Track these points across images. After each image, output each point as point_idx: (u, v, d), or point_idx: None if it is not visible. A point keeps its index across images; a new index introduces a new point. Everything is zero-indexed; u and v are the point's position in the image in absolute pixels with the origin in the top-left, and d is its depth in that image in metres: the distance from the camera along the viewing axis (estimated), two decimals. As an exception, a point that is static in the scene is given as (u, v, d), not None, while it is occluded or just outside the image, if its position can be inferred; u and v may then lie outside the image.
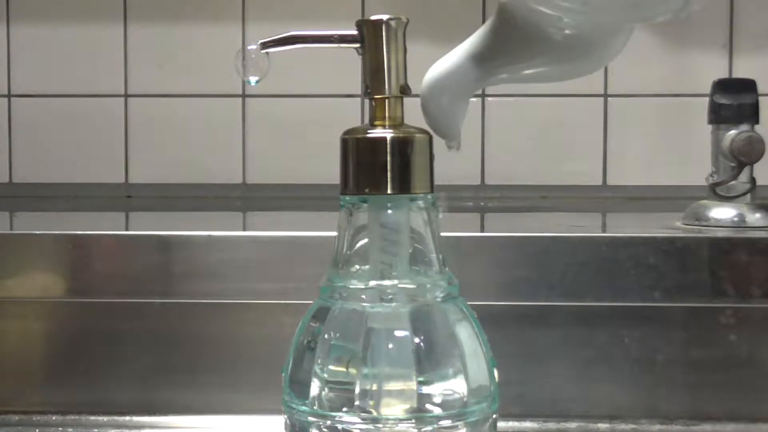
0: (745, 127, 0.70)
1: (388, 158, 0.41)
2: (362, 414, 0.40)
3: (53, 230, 0.65)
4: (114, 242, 0.64)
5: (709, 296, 0.61)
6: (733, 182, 0.70)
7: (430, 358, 0.40)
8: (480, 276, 0.62)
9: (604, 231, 0.70)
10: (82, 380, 0.63)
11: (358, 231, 0.42)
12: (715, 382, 0.61)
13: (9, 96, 1.02)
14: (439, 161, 0.43)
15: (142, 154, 1.01)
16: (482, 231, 0.75)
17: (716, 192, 0.71)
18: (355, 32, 0.43)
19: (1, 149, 1.01)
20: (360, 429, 0.40)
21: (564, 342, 0.61)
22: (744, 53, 0.98)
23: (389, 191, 0.41)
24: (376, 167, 0.41)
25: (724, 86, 0.71)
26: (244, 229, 0.76)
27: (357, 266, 0.42)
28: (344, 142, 0.42)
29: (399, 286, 0.41)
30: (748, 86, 0.70)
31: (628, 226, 0.74)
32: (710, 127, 0.72)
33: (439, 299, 0.42)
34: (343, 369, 0.40)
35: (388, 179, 0.41)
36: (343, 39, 0.43)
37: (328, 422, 0.40)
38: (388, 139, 0.41)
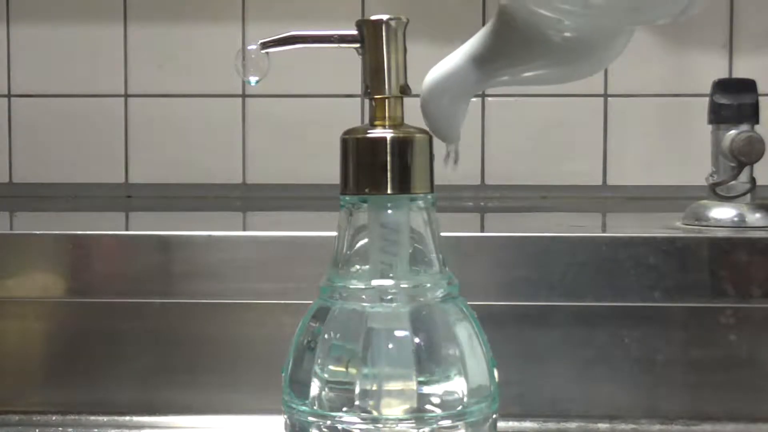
0: (745, 127, 0.70)
1: (388, 158, 0.41)
2: (362, 414, 0.40)
3: (53, 230, 0.65)
4: (114, 242, 0.64)
5: (709, 296, 0.61)
6: (733, 182, 0.70)
7: (430, 358, 0.40)
8: (480, 276, 0.62)
9: (604, 231, 0.70)
10: (82, 380, 0.63)
11: (358, 231, 0.42)
12: (715, 382, 0.61)
13: (9, 96, 1.02)
14: (439, 161, 0.43)
15: (142, 154, 1.01)
16: (482, 231, 0.75)
17: (716, 192, 0.71)
18: (355, 32, 0.43)
19: (1, 149, 1.01)
20: (360, 429, 0.40)
21: (564, 342, 0.61)
22: (744, 53, 0.98)
23: (389, 191, 0.41)
24: (376, 167, 0.41)
25: (724, 86, 0.71)
26: (244, 229, 0.76)
27: (357, 266, 0.42)
28: (344, 142, 0.42)
29: (399, 286, 0.41)
30: (748, 86, 0.70)
31: (628, 226, 0.74)
32: (710, 127, 0.72)
33: (439, 299, 0.42)
34: (343, 369, 0.40)
35: (388, 179, 0.41)
36: (343, 39, 0.43)
37: (328, 422, 0.40)
38: (388, 139, 0.41)
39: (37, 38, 1.01)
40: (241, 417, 0.62)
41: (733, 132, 0.70)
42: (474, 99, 0.97)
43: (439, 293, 0.42)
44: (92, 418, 0.62)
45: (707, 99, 0.71)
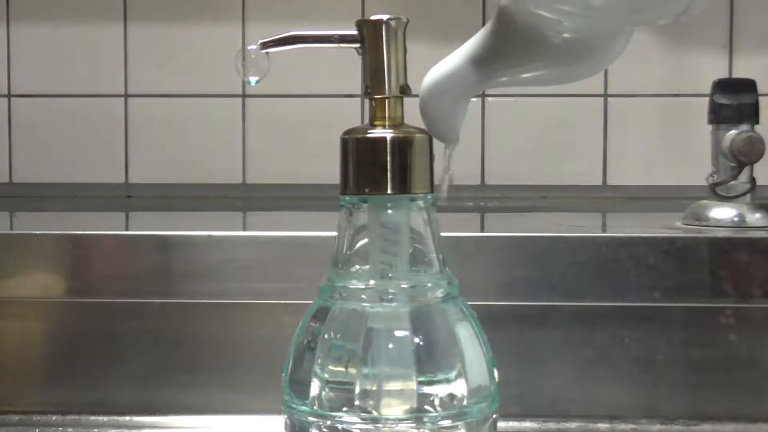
0: (745, 127, 0.70)
1: (388, 158, 0.41)
2: (362, 414, 0.40)
3: (53, 230, 0.65)
4: (114, 242, 0.64)
5: (709, 296, 0.61)
6: (733, 182, 0.70)
7: (430, 358, 0.40)
8: (480, 276, 0.62)
9: (604, 231, 0.70)
10: (82, 380, 0.63)
11: (358, 231, 0.42)
12: (715, 382, 0.61)
13: (9, 96, 1.02)
14: (439, 161, 0.43)
15: (142, 154, 1.01)
16: (482, 231, 0.75)
17: (716, 192, 0.71)
18: (355, 32, 0.43)
19: (1, 149, 1.01)
20: (360, 429, 0.40)
21: (564, 342, 0.61)
22: (744, 53, 0.98)
23: (389, 191, 0.41)
24: (376, 167, 0.41)
25: (724, 86, 0.71)
26: (244, 229, 0.76)
27: (357, 266, 0.42)
28: (344, 142, 0.42)
29: (399, 286, 0.41)
30: (748, 86, 0.70)
31: (628, 226, 0.74)
32: (710, 127, 0.72)
33: (439, 299, 0.42)
34: (343, 369, 0.40)
35: (388, 179, 0.41)
36: (343, 39, 0.43)
37: (328, 422, 0.40)
38: (388, 139, 0.41)
39: (37, 38, 1.01)
40: (241, 417, 0.62)
41: (733, 132, 0.70)
42: (474, 99, 0.97)
43: (439, 293, 0.42)
44: (92, 418, 0.62)
45: (707, 99, 0.71)
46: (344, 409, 0.40)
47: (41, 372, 0.64)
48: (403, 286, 0.41)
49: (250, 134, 1.00)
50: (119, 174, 1.01)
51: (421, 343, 0.40)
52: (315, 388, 0.41)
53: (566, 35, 0.37)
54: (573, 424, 0.61)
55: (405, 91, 0.42)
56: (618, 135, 0.99)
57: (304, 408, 0.41)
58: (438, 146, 0.43)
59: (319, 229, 0.63)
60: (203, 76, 1.00)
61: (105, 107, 1.01)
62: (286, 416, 0.42)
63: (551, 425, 0.61)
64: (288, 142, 1.00)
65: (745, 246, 0.61)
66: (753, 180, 0.70)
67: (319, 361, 0.41)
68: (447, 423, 0.40)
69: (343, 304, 0.41)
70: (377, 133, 0.42)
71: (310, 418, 0.40)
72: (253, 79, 0.44)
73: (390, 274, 0.41)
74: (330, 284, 0.42)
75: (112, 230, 0.67)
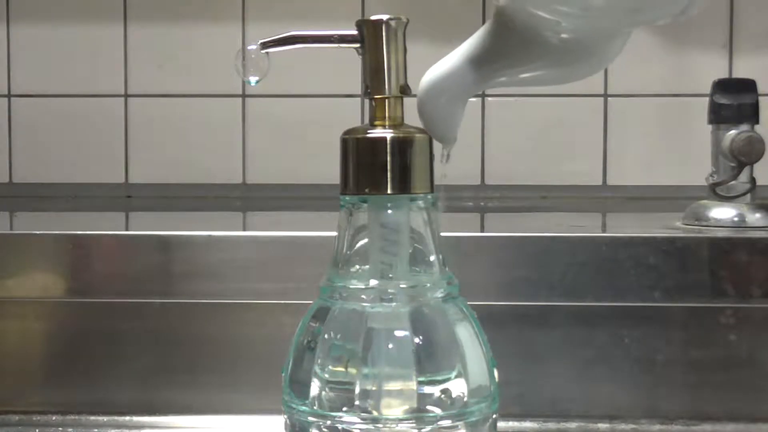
0: (745, 127, 0.70)
1: (388, 158, 0.41)
2: (362, 414, 0.40)
3: (53, 230, 0.65)
4: (114, 242, 0.64)
5: (709, 296, 0.61)
6: (733, 182, 0.70)
7: (430, 358, 0.40)
8: (480, 276, 0.62)
9: (604, 231, 0.70)
10: (82, 380, 0.63)
11: (358, 231, 0.42)
12: (715, 382, 0.61)
13: (9, 96, 1.02)
14: (439, 161, 0.43)
15: (142, 154, 1.01)
16: (482, 231, 0.75)
17: (716, 192, 0.71)
18: (355, 32, 0.43)
19: (1, 149, 1.01)
20: (360, 429, 0.40)
21: (564, 342, 0.61)
22: (744, 53, 0.98)
23: (389, 191, 0.41)
24: (376, 167, 0.41)
25: (724, 86, 0.71)
26: (244, 229, 0.76)
27: (357, 266, 0.42)
28: (344, 142, 0.42)
29: (399, 286, 0.41)
30: (748, 86, 0.70)
31: (628, 226, 0.74)
32: (710, 127, 0.72)
33: (439, 299, 0.42)
34: (343, 369, 0.40)
35: (388, 179, 0.41)
36: (343, 39, 0.43)
37: (328, 422, 0.40)
38: (388, 139, 0.41)
39: (37, 38, 1.01)
40: (241, 417, 0.62)
41: (733, 132, 0.70)
42: (474, 99, 0.98)
43: (439, 293, 0.42)
44: (92, 418, 0.62)
45: (707, 99, 0.71)
46: (344, 409, 0.40)
47: (41, 372, 0.64)
48: (403, 286, 0.41)
49: (250, 134, 1.00)
50: (119, 174, 1.01)
51: (421, 343, 0.40)
52: (315, 388, 0.41)
53: (564, 36, 0.36)
54: (573, 424, 0.61)
55: (405, 91, 0.42)
56: (618, 135, 0.99)
57: (304, 408, 0.41)
58: (437, 146, 0.43)
59: (319, 229, 0.63)
60: (203, 76, 1.00)
61: (105, 107, 1.01)
62: (286, 416, 0.42)
63: (551, 425, 0.61)
64: (288, 142, 1.00)
65: (745, 246, 0.61)
66: (753, 180, 0.70)
67: (319, 361, 0.41)
68: (447, 423, 0.40)
69: (343, 304, 0.41)
70: (377, 133, 0.42)
71: (310, 418, 0.40)
72: (253, 79, 0.44)
73: (390, 274, 0.41)
74: (330, 284, 0.42)
75: (112, 230, 0.67)
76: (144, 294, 0.63)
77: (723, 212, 0.70)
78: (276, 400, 0.43)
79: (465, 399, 0.40)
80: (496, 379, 0.42)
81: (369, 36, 0.42)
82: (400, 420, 0.40)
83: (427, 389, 0.40)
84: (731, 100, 0.70)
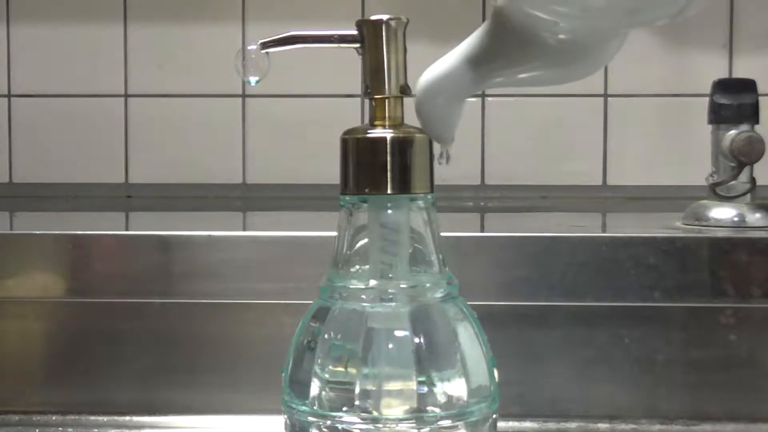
0: (745, 127, 0.70)
1: (388, 158, 0.41)
2: (362, 414, 0.40)
3: (53, 230, 0.65)
4: (114, 242, 0.64)
5: (709, 296, 0.61)
6: (733, 182, 0.70)
7: (430, 358, 0.40)
8: (480, 276, 0.62)
9: (604, 231, 0.70)
10: (82, 380, 0.63)
11: (358, 231, 0.42)
12: (715, 382, 0.61)
13: (9, 96, 1.02)
14: (437, 163, 0.42)
15: (142, 154, 1.01)
16: (482, 231, 0.75)
17: (716, 192, 0.71)
18: (355, 32, 0.43)
19: (1, 149, 1.01)
20: (360, 429, 0.40)
21: (564, 342, 0.61)
22: (744, 53, 0.98)
23: (389, 191, 0.41)
24: (376, 167, 0.41)
25: (724, 86, 0.71)
26: (244, 229, 0.76)
27: (357, 266, 0.42)
28: (344, 142, 0.42)
29: (399, 286, 0.41)
30: (748, 86, 0.70)
31: (628, 226, 0.74)
32: (710, 127, 0.72)
33: (439, 299, 0.42)
34: (343, 369, 0.40)
35: (388, 179, 0.41)
36: (343, 39, 0.43)
37: (328, 422, 0.40)
38: (388, 139, 0.41)
39: (37, 38, 1.01)
40: (241, 417, 0.62)
41: (733, 132, 0.70)
42: (474, 99, 0.98)
43: (439, 293, 0.42)
44: (92, 418, 0.62)
45: (707, 99, 0.71)
46: (344, 409, 0.40)
47: (41, 372, 0.64)
48: (403, 286, 0.41)
49: (250, 134, 1.00)
50: (119, 174, 1.01)
51: (421, 343, 0.40)
52: (315, 388, 0.41)
53: (562, 36, 0.36)
54: (573, 424, 0.61)
55: (405, 91, 0.42)
56: (618, 135, 0.99)
57: (304, 408, 0.41)
58: (437, 147, 0.43)
59: (319, 229, 0.63)
60: (203, 76, 1.00)
61: (105, 107, 1.01)
62: (286, 416, 0.42)
63: (551, 425, 0.61)
64: (288, 142, 1.00)
65: (745, 246, 0.61)
66: (753, 180, 0.70)
67: (319, 361, 0.41)
68: (447, 423, 0.40)
69: (343, 304, 0.41)
70: (377, 133, 0.42)
71: (310, 418, 0.40)
72: (253, 79, 0.44)
73: (390, 274, 0.41)
74: (330, 284, 0.42)
75: (112, 230, 0.67)
76: (144, 294, 0.63)
77: (723, 212, 0.70)
78: (276, 400, 0.43)
79: (465, 399, 0.40)
80: (496, 379, 0.42)
81: (369, 36, 0.42)
82: (400, 420, 0.40)
83: (427, 389, 0.40)
84: (731, 100, 0.70)
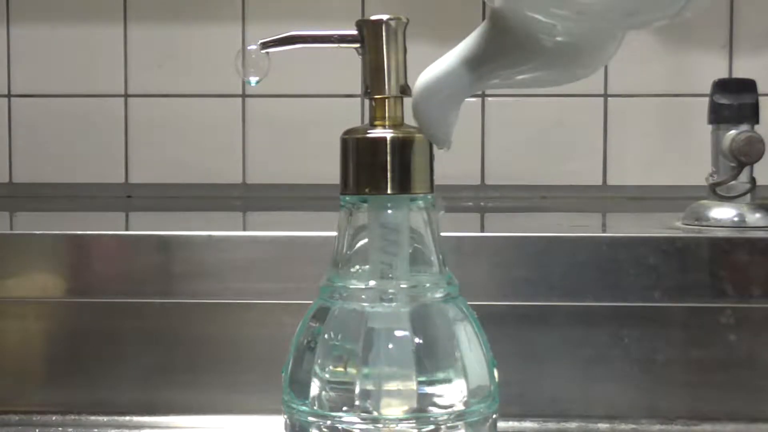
0: (745, 127, 0.70)
1: (388, 158, 0.41)
2: (362, 414, 0.40)
3: (53, 230, 0.65)
4: (114, 242, 0.64)
5: (709, 296, 0.61)
6: (733, 182, 0.70)
7: (430, 359, 0.40)
8: (480, 276, 0.62)
9: (604, 231, 0.70)
10: (82, 380, 0.63)
11: (358, 231, 0.42)
12: (715, 382, 0.61)
13: (9, 96, 1.02)
14: (439, 161, 0.43)
15: (142, 154, 1.01)
16: (482, 231, 0.75)
17: (716, 192, 0.71)
18: (355, 32, 0.43)
19: (1, 149, 1.01)
20: (360, 429, 0.40)
21: (564, 342, 0.61)
22: (744, 53, 0.98)
23: (389, 191, 0.41)
24: (376, 167, 0.41)
25: (724, 86, 0.71)
26: (244, 229, 0.76)
27: (357, 266, 0.42)
28: (344, 142, 0.42)
29: (399, 286, 0.41)
30: (748, 86, 0.71)
31: (628, 226, 0.74)
32: (710, 127, 0.72)
33: (439, 299, 0.42)
34: (343, 369, 0.40)
35: (388, 179, 0.41)
36: (343, 39, 0.43)
37: (328, 422, 0.40)
38: (388, 139, 0.41)
39: (37, 38, 1.01)
40: (242, 417, 0.62)
41: (733, 132, 0.70)
42: (474, 99, 0.98)
43: (439, 293, 0.42)
44: (92, 418, 0.62)
45: (707, 99, 0.71)
46: (344, 409, 0.40)
47: (41, 372, 0.64)
48: (403, 286, 0.41)
49: (250, 134, 1.00)
50: (119, 174, 1.01)
51: (421, 343, 0.40)
52: (315, 388, 0.41)
53: (560, 38, 0.36)
54: (573, 424, 0.61)
55: (405, 91, 0.42)
56: (618, 135, 0.99)
57: (304, 408, 0.41)
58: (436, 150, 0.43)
59: (319, 229, 0.63)
60: (203, 76, 1.00)
61: (105, 107, 1.01)
62: (286, 416, 0.42)
63: (551, 425, 0.61)
64: (288, 142, 1.00)
65: (745, 246, 0.61)
66: (753, 180, 0.71)
67: (319, 361, 0.41)
68: (447, 423, 0.40)
69: (343, 304, 0.41)
70: (377, 133, 0.42)
71: (310, 418, 0.40)
72: (253, 79, 0.44)
73: (390, 274, 0.41)
74: (330, 284, 0.42)
75: (112, 230, 0.67)
76: (144, 294, 0.63)
77: (723, 212, 0.70)
78: (276, 400, 0.43)
79: (465, 399, 0.40)
80: (496, 379, 0.42)
81: (369, 36, 0.42)
82: (400, 420, 0.40)
83: (427, 389, 0.40)
84: (731, 100, 0.70)
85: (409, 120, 0.42)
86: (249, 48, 0.43)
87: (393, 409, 0.40)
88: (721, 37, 0.98)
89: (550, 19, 0.35)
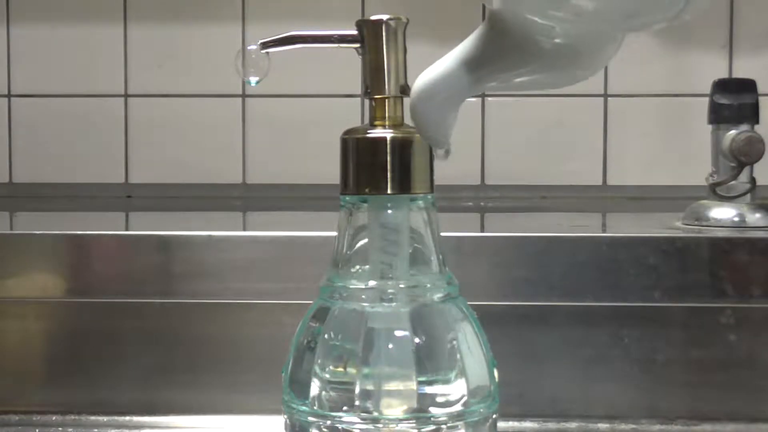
0: (745, 127, 0.70)
1: (388, 158, 0.41)
2: (362, 414, 0.40)
3: (53, 230, 0.65)
4: (114, 242, 0.64)
5: (709, 296, 0.61)
6: (733, 182, 0.70)
7: (430, 358, 0.40)
8: (480, 276, 0.62)
9: (604, 231, 0.70)
10: (82, 380, 0.63)
11: (358, 231, 0.42)
12: (715, 382, 0.61)
13: (9, 96, 1.02)
14: (439, 161, 0.42)
15: (142, 154, 1.01)
16: (482, 231, 0.75)
17: (716, 192, 0.71)
18: (355, 32, 0.43)
19: (1, 149, 1.01)
20: (360, 429, 0.40)
21: (564, 342, 0.61)
22: (744, 53, 0.98)
23: (389, 191, 0.41)
24: (376, 167, 0.41)
25: (724, 86, 0.71)
26: (244, 229, 0.76)
27: (357, 266, 0.42)
28: (344, 142, 0.42)
29: (399, 286, 0.41)
30: (748, 86, 0.71)
31: (628, 226, 0.74)
32: (710, 127, 0.72)
33: (439, 299, 0.42)
34: (343, 369, 0.40)
35: (388, 179, 0.41)
36: (343, 39, 0.43)
37: (328, 422, 0.40)
38: (388, 139, 0.41)
39: (37, 38, 1.01)
40: (242, 417, 0.62)
41: (733, 132, 0.70)
42: (474, 99, 0.98)
43: (439, 293, 0.42)
44: (92, 418, 0.62)
45: (707, 99, 0.71)
46: (344, 409, 0.40)
47: (41, 372, 0.64)
48: (403, 286, 0.41)
49: (250, 134, 1.00)
50: (119, 174, 1.01)
51: (421, 343, 0.40)
52: (315, 388, 0.41)
53: (558, 40, 0.36)
54: (573, 424, 0.61)
55: (405, 91, 0.42)
56: (618, 135, 0.99)
57: (304, 408, 0.41)
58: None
59: (319, 229, 0.63)
60: (203, 76, 1.00)
61: (105, 107, 1.01)
62: (286, 416, 0.42)
63: (551, 425, 0.61)
64: (288, 142, 1.00)
65: (745, 246, 0.61)
66: (753, 180, 0.71)
67: (319, 361, 0.41)
68: (447, 423, 0.40)
69: (343, 304, 0.41)
70: (377, 133, 0.42)
71: (310, 418, 0.40)
72: (253, 79, 0.44)
73: (390, 274, 0.41)
74: (330, 284, 0.42)
75: (112, 230, 0.67)
76: (144, 294, 0.63)
77: (723, 212, 0.70)
78: (276, 400, 0.43)
79: (465, 399, 0.40)
80: (496, 379, 0.42)
81: (369, 36, 0.42)
82: (400, 420, 0.40)
83: (427, 389, 0.40)
84: (731, 100, 0.70)
85: (409, 120, 0.42)
86: (249, 48, 0.43)
87: (393, 409, 0.40)
88: (721, 37, 0.98)
89: (549, 21, 0.35)
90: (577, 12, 0.34)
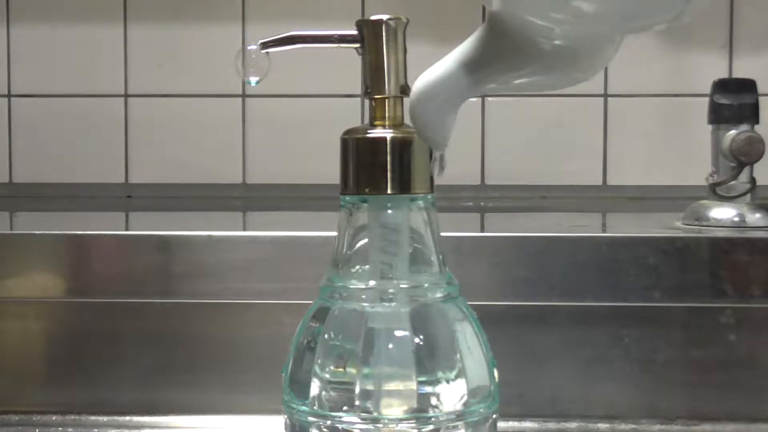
0: (745, 127, 0.70)
1: (388, 158, 0.41)
2: (362, 414, 0.40)
3: (53, 230, 0.65)
4: (114, 242, 0.64)
5: (709, 296, 0.61)
6: (733, 182, 0.70)
7: (430, 358, 0.40)
8: (480, 276, 0.62)
9: (604, 231, 0.70)
10: (82, 380, 0.63)
11: (358, 231, 0.42)
12: (715, 382, 0.61)
13: (9, 96, 1.02)
14: (435, 173, 0.42)
15: (142, 154, 1.01)
16: (482, 231, 0.75)
17: (716, 192, 0.71)
18: (355, 32, 0.43)
19: (1, 149, 1.01)
20: (360, 429, 0.40)
21: (564, 342, 0.61)
22: (744, 53, 0.98)
23: (389, 191, 0.41)
24: (376, 167, 0.41)
25: (724, 86, 0.71)
26: (244, 229, 0.76)
27: (357, 266, 0.42)
28: (344, 142, 0.42)
29: (399, 286, 0.41)
30: (748, 86, 0.71)
31: (628, 226, 0.74)
32: (710, 127, 0.72)
33: (439, 299, 0.42)
34: (343, 369, 0.40)
35: (388, 179, 0.41)
36: (343, 39, 0.43)
37: (328, 422, 0.40)
38: (388, 139, 0.41)
39: (37, 38, 1.01)
40: (242, 417, 0.62)
41: (733, 132, 0.70)
42: (474, 99, 0.97)
43: (439, 293, 0.42)
44: (92, 418, 0.62)
45: (707, 99, 0.71)
46: (344, 409, 0.40)
47: (41, 372, 0.64)
48: (403, 286, 0.41)
49: (250, 134, 1.00)
50: (119, 174, 1.01)
51: (421, 343, 0.40)
52: (315, 388, 0.41)
53: (558, 42, 0.36)
54: (573, 424, 0.61)
55: (405, 91, 0.42)
56: (618, 135, 0.99)
57: (304, 408, 0.41)
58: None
59: (319, 229, 0.63)
60: (203, 76, 1.00)
61: (105, 107, 1.01)
62: (286, 416, 0.42)
63: (551, 425, 0.61)
64: (288, 142, 1.00)
65: (745, 246, 0.61)
66: (753, 180, 0.71)
67: (319, 361, 0.41)
68: (447, 423, 0.40)
69: (343, 304, 0.41)
70: (377, 133, 0.42)
71: (310, 418, 0.40)
72: (253, 79, 0.44)
73: (390, 274, 0.41)
74: (330, 284, 0.42)
75: (112, 230, 0.67)
76: (144, 294, 0.63)
77: (723, 212, 0.70)
78: (276, 400, 0.43)
79: (465, 399, 0.40)
80: (496, 379, 0.42)
81: (369, 36, 0.42)
82: (400, 420, 0.40)
83: (427, 389, 0.40)
84: (731, 100, 0.70)
85: (409, 120, 0.42)
86: (249, 48, 0.43)
87: (393, 409, 0.40)
88: (721, 37, 0.98)
89: (548, 22, 0.35)
90: (577, 14, 0.34)
